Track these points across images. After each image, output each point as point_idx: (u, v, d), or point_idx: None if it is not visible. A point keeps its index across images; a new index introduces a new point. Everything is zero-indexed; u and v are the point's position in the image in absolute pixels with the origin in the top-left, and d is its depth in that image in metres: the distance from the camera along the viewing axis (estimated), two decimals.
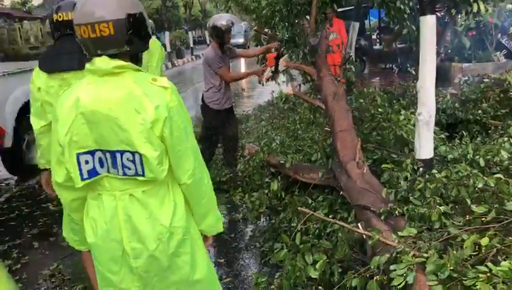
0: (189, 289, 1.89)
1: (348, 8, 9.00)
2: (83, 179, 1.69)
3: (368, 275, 2.33)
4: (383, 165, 3.12)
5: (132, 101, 1.63)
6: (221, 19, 4.58)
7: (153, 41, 6.25)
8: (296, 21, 4.59)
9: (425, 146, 2.95)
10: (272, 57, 4.61)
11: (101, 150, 1.68)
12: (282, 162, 4.44)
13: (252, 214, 4.15)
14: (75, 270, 3.52)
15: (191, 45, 28.27)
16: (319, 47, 4.71)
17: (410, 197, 2.64)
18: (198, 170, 1.80)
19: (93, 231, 1.77)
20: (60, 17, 2.64)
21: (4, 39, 6.56)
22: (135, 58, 1.76)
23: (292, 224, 3.59)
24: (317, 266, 2.73)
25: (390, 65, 13.23)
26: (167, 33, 24.57)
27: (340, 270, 2.80)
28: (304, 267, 2.79)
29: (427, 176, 2.79)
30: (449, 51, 10.06)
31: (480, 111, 4.84)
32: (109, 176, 1.71)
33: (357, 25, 7.12)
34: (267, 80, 4.73)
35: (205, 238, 2.01)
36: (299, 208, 2.92)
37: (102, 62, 1.65)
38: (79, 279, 3.38)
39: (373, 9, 11.27)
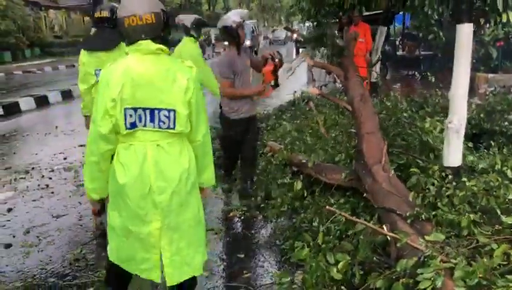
0: (195, 226, 2.40)
1: (374, 13, 8.96)
2: (126, 128, 2.20)
3: (392, 277, 2.33)
4: (411, 170, 3.11)
5: (170, 74, 2.23)
6: (230, 18, 4.26)
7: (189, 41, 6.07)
8: (325, 21, 4.60)
9: (454, 154, 2.95)
10: (269, 71, 4.29)
11: (142, 108, 2.20)
12: (304, 161, 4.46)
13: (272, 212, 4.17)
14: (98, 255, 3.58)
15: (213, 42, 28.35)
16: (347, 48, 4.72)
17: (438, 203, 2.63)
18: (208, 133, 2.42)
19: (125, 174, 2.23)
20: (100, 13, 3.80)
21: (30, 26, 7.12)
22: (165, 44, 2.27)
23: (314, 224, 3.60)
24: (339, 266, 2.76)
25: (413, 72, 13.13)
26: None
27: (361, 272, 2.82)
28: (325, 267, 2.82)
29: (454, 183, 2.78)
30: (474, 60, 9.95)
31: (506, 123, 4.80)
32: (144, 129, 2.22)
33: (384, 29, 7.09)
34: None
35: (202, 190, 2.54)
36: (327, 207, 2.91)
37: (148, 44, 2.21)
38: (102, 265, 3.44)
39: (399, 14, 11.19)
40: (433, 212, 2.53)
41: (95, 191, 2.39)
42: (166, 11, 2.28)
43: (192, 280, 2.46)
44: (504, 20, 7.09)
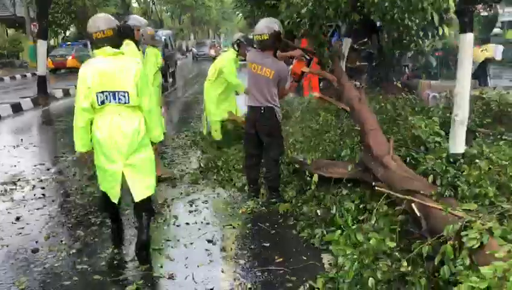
0: (145, 164, 3.55)
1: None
2: (98, 105, 3.39)
3: (436, 243, 2.78)
4: (427, 157, 3.61)
5: (125, 68, 3.42)
6: (275, 22, 4.50)
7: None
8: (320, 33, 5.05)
9: (459, 142, 3.48)
10: (300, 68, 4.74)
11: (107, 91, 3.38)
12: (301, 159, 4.88)
13: (283, 206, 4.53)
14: (131, 253, 3.73)
15: None
16: (335, 56, 5.23)
17: (457, 182, 3.13)
18: (152, 104, 3.56)
19: (100, 132, 3.44)
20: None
21: None
22: (119, 47, 3.56)
23: (331, 211, 3.99)
24: (371, 242, 3.18)
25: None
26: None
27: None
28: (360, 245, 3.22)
29: (465, 165, 3.31)
30: (416, 69, 10.95)
31: (469, 120, 5.50)
32: (109, 104, 3.40)
33: (349, 40, 7.67)
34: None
35: (154, 144, 3.71)
36: (377, 187, 3.30)
37: (110, 50, 3.45)
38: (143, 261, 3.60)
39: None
40: (460, 188, 3.02)
41: (83, 146, 3.55)
42: (119, 25, 3.57)
43: (148, 203, 3.67)
44: (440, 33, 7.99)
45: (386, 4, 5.56)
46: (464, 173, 3.17)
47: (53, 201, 5.00)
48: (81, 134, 3.50)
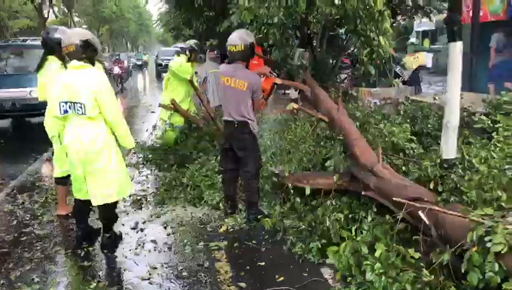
0: (105, 173, 3.81)
1: None
2: (61, 114, 3.76)
3: (456, 251, 2.77)
4: (424, 163, 3.63)
5: (84, 81, 3.67)
6: (248, 34, 4.41)
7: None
8: (288, 43, 5.00)
9: (451, 147, 3.55)
10: (272, 85, 4.71)
11: (70, 101, 3.68)
12: (277, 172, 4.77)
13: (267, 222, 4.37)
14: (119, 284, 3.40)
15: None
16: (305, 66, 5.20)
17: (462, 187, 3.17)
18: (115, 115, 3.81)
19: (67, 138, 3.82)
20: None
21: None
22: (91, 61, 3.81)
23: (326, 224, 3.88)
24: (377, 254, 3.13)
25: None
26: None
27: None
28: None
29: (460, 171, 3.37)
30: (356, 77, 11.27)
31: (429, 125, 5.70)
32: (72, 114, 3.72)
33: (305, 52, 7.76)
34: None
35: (126, 149, 4.19)
36: (394, 198, 3.21)
37: (76, 63, 3.72)
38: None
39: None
40: (467, 193, 3.05)
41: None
42: (85, 40, 3.72)
43: (110, 209, 4.01)
44: (376, 43, 8.28)
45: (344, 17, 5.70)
46: (466, 178, 3.22)
47: (8, 234, 4.44)
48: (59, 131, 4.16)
